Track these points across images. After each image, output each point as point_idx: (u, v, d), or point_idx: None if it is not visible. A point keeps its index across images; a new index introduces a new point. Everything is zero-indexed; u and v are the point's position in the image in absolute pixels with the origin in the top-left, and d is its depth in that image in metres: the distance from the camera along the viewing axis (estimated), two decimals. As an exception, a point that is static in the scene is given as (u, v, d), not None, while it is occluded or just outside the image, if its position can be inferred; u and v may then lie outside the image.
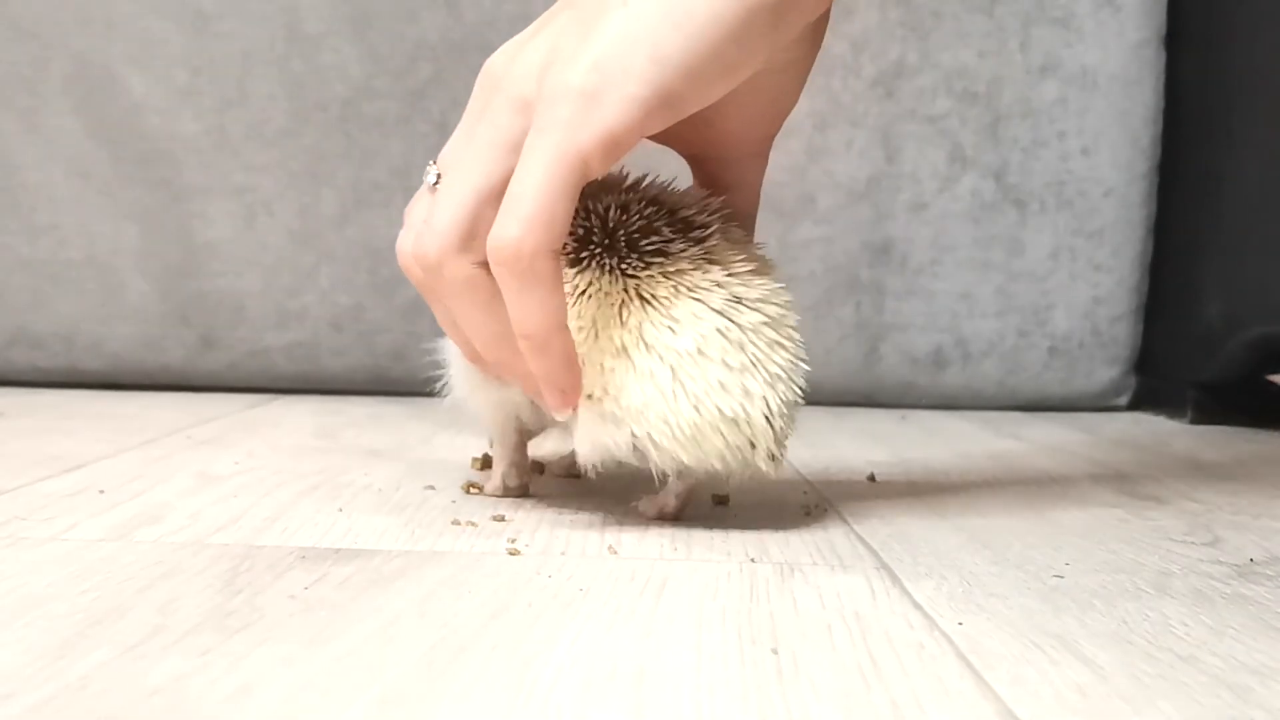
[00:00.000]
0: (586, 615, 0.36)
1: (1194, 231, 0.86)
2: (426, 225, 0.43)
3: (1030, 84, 0.88)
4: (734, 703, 0.29)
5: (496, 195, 0.41)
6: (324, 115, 0.89)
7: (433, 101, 0.89)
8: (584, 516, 0.49)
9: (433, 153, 0.93)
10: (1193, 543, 0.47)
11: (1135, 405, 0.91)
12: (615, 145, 0.40)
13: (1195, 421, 0.86)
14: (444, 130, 0.89)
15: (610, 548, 0.44)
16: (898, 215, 0.89)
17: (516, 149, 0.41)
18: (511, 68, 0.42)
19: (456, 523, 0.47)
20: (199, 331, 0.90)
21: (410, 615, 0.35)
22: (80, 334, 0.90)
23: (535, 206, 0.39)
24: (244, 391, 0.91)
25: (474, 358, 0.46)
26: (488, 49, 0.94)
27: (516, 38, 0.45)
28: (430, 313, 0.94)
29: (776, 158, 0.89)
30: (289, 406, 0.84)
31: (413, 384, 0.92)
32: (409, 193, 0.88)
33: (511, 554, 0.43)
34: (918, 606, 0.37)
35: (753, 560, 0.43)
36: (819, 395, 0.91)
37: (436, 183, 0.44)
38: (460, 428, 0.74)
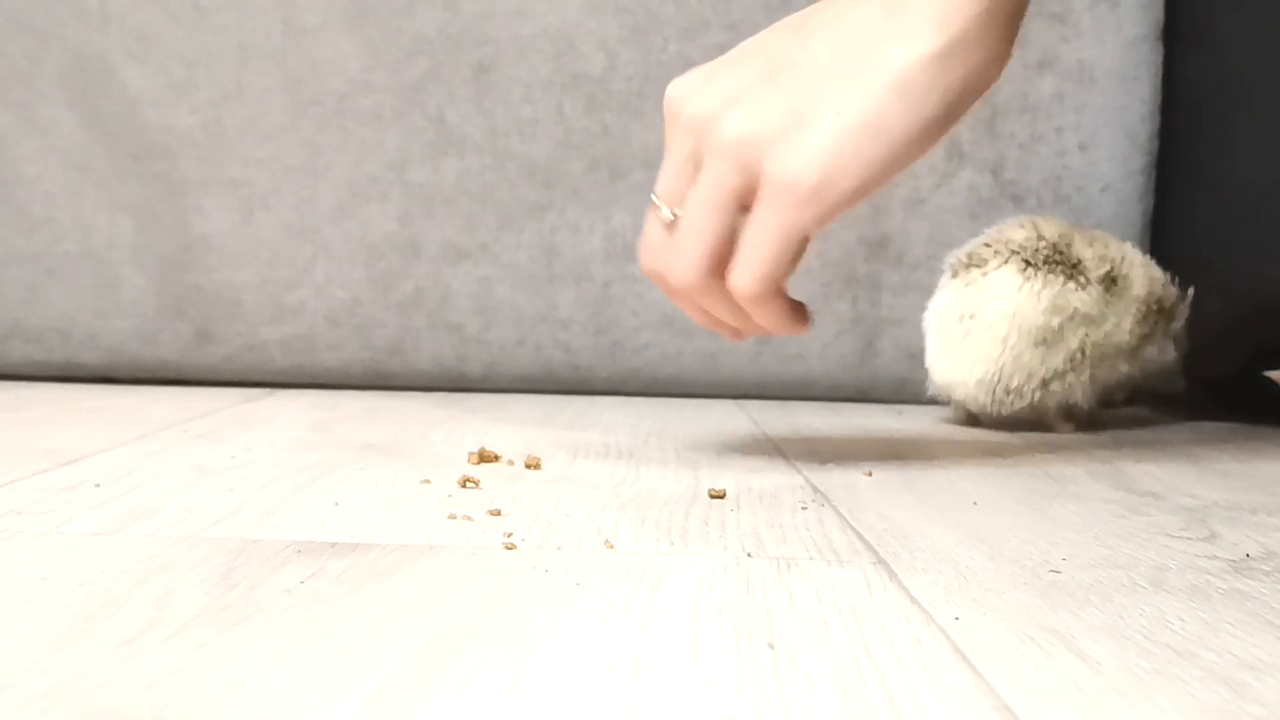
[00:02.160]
0: (582, 609, 0.36)
1: (1191, 227, 0.86)
2: (675, 257, 0.54)
3: (1027, 79, 0.88)
4: (730, 697, 0.29)
5: (729, 239, 0.53)
6: (320, 109, 0.89)
7: (429, 95, 0.88)
8: (580, 510, 0.49)
9: (428, 147, 0.93)
10: (1189, 538, 0.47)
11: (1133, 401, 0.91)
12: (828, 222, 0.51)
13: (1192, 417, 0.86)
14: (440, 124, 0.89)
15: (606, 542, 0.44)
16: (895, 210, 0.89)
17: (739, 199, 0.52)
18: (722, 124, 0.52)
19: (453, 517, 0.47)
20: (195, 325, 0.90)
21: (406, 609, 0.35)
22: (76, 328, 0.90)
23: (767, 268, 0.52)
24: (240, 385, 0.91)
25: (713, 324, 0.58)
26: (484, 42, 0.94)
27: (702, 75, 0.54)
28: (427, 307, 0.94)
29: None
30: (285, 400, 0.84)
31: (409, 378, 0.92)
32: (405, 186, 0.89)
33: (508, 548, 0.43)
34: (914, 601, 0.37)
35: (749, 555, 0.43)
36: (815, 390, 0.92)
37: (673, 220, 0.54)
38: (457, 422, 0.74)
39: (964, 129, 0.89)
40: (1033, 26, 0.88)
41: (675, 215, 0.54)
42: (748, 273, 0.52)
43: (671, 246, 0.54)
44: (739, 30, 0.88)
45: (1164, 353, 0.79)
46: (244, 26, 0.88)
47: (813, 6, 0.54)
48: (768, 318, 0.55)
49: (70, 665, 0.30)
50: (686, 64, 0.91)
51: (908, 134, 0.50)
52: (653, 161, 0.89)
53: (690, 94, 0.53)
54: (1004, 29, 0.51)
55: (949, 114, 0.50)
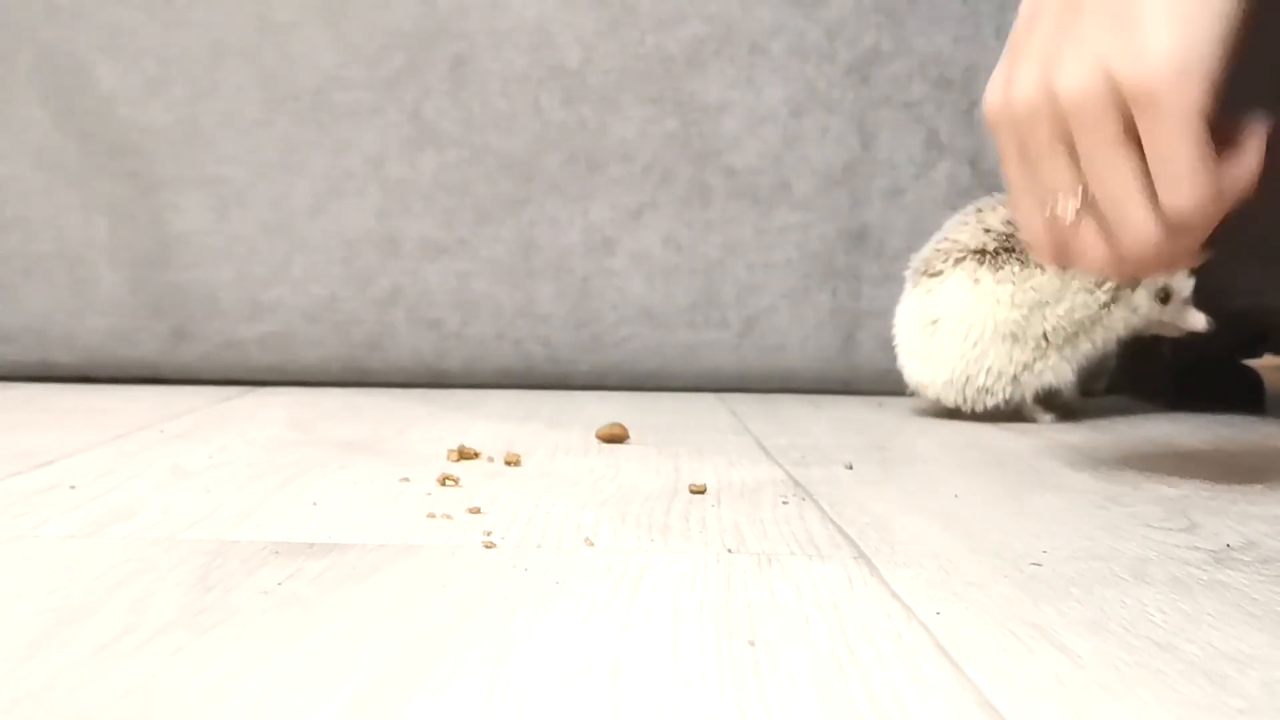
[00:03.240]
0: (562, 609, 0.35)
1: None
2: (1120, 226, 0.48)
3: (1005, 70, 0.88)
4: (711, 695, 0.29)
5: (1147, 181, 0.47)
6: (296, 105, 0.88)
7: (405, 90, 0.88)
8: (560, 507, 0.49)
9: (405, 143, 0.92)
10: (1170, 529, 0.47)
11: (1112, 390, 0.92)
12: (1213, 87, 0.45)
13: (1172, 406, 0.86)
14: (417, 118, 0.88)
15: (587, 539, 0.44)
16: (874, 201, 0.89)
17: (1129, 133, 0.47)
18: (1059, 86, 0.47)
19: (432, 516, 0.47)
20: (171, 324, 0.89)
21: (385, 610, 0.35)
22: (51, 327, 0.89)
23: (1193, 174, 0.46)
24: (218, 384, 0.90)
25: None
26: (460, 37, 0.93)
27: (1005, 67, 0.51)
28: (405, 303, 0.94)
29: (752, 144, 0.89)
30: (263, 399, 0.83)
31: (388, 374, 0.91)
32: (382, 182, 0.88)
33: (487, 547, 0.42)
34: (895, 596, 0.37)
35: (730, 551, 0.43)
36: (796, 383, 0.91)
37: (1079, 206, 0.49)
38: (436, 419, 0.74)
39: (942, 120, 0.89)
40: (1010, 17, 0.88)
41: (1079, 199, 0.49)
42: (1184, 189, 0.47)
43: (1104, 224, 0.49)
44: (715, 22, 0.88)
45: (1140, 307, 0.77)
46: (218, 22, 0.87)
47: None
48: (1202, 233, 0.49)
49: (45, 671, 0.30)
50: (664, 57, 0.91)
51: None
52: (631, 154, 0.89)
53: (1008, 88, 0.50)
54: None
55: None
